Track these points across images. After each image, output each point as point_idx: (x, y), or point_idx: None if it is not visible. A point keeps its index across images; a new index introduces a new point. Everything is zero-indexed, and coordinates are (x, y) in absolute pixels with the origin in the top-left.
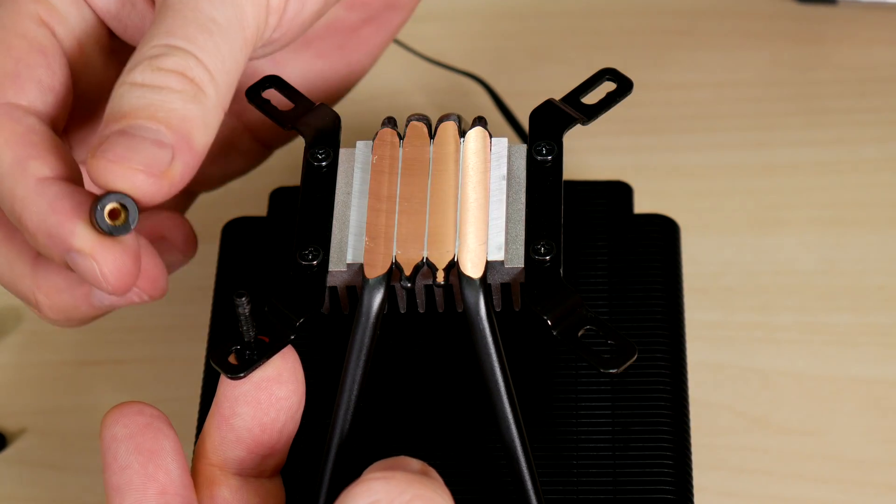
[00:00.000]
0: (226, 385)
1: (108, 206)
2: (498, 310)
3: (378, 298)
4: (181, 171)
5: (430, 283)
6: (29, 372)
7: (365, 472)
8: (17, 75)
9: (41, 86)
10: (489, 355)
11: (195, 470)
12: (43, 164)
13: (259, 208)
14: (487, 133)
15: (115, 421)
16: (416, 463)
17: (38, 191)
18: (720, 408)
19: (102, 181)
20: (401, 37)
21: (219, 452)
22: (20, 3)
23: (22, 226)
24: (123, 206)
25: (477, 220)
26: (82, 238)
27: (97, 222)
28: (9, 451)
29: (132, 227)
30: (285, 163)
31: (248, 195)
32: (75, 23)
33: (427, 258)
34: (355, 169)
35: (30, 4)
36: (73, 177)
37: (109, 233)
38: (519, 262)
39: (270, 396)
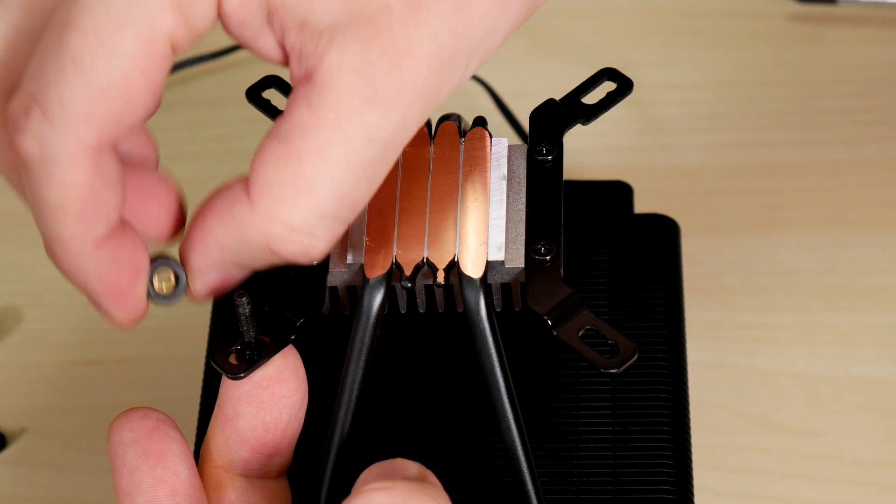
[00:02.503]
0: (228, 386)
1: (160, 276)
2: (498, 310)
3: (378, 298)
4: None
5: (431, 283)
6: (29, 372)
7: (361, 477)
8: (120, 116)
9: (139, 120)
10: (489, 355)
11: (201, 473)
12: (106, 221)
13: None
14: (487, 133)
15: (122, 426)
16: (413, 467)
17: (91, 255)
18: (720, 408)
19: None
20: None
21: (224, 454)
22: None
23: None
24: (174, 274)
25: (477, 220)
26: (119, 314)
27: (148, 291)
28: (9, 451)
29: (180, 298)
30: None
31: None
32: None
33: (427, 258)
34: None
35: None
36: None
37: (157, 303)
38: (519, 262)
39: (273, 395)
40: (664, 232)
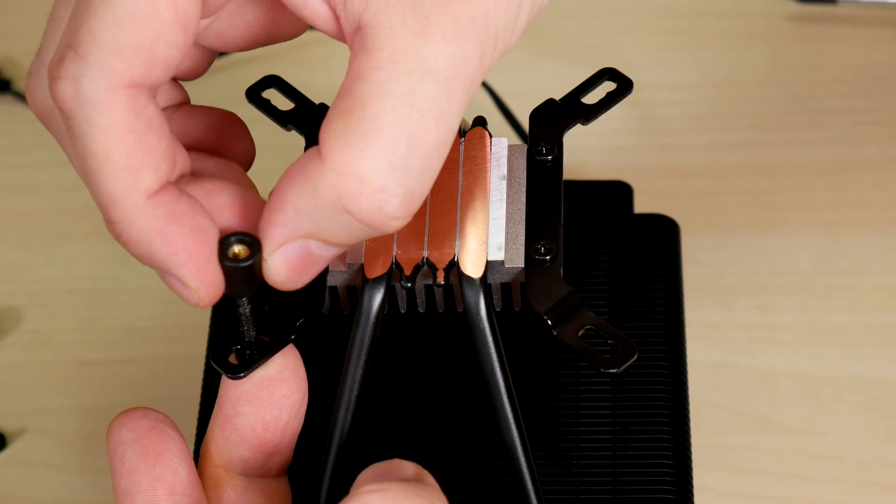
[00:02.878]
0: (228, 385)
1: (234, 248)
2: (498, 310)
3: (378, 298)
4: None
5: (431, 282)
6: (29, 372)
7: (358, 478)
8: (150, 47)
9: (170, 57)
10: (489, 355)
11: (200, 472)
12: (155, 171)
13: None
14: (487, 133)
15: (121, 426)
16: (410, 467)
17: (146, 211)
18: (720, 408)
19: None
20: None
21: (223, 453)
22: None
23: (113, 229)
24: (247, 244)
25: (477, 219)
26: (192, 279)
27: (219, 259)
28: (9, 451)
29: (255, 260)
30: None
31: None
32: None
33: (427, 258)
34: None
35: None
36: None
37: (230, 268)
38: (519, 262)
39: (273, 395)
40: (664, 232)
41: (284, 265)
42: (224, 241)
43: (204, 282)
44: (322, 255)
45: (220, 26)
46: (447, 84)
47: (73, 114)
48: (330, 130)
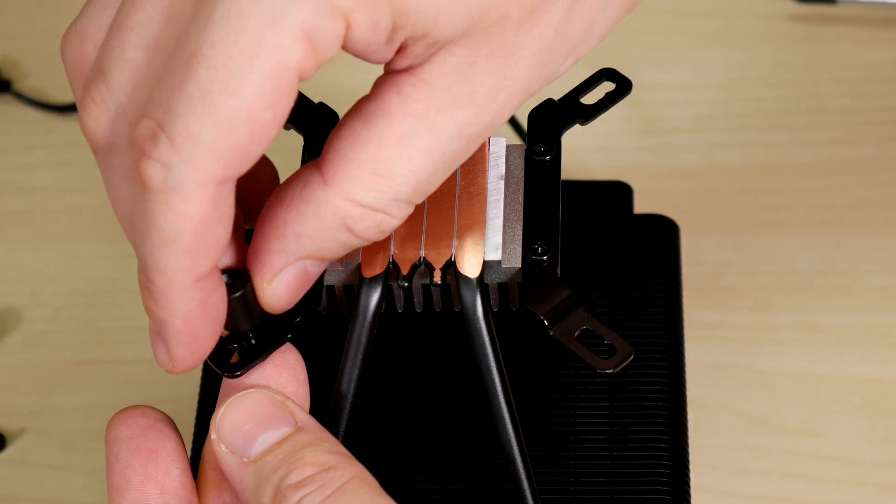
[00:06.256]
0: (227, 386)
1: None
2: (495, 309)
3: (375, 297)
4: None
5: (428, 282)
6: (29, 372)
7: None
8: (246, 148)
9: (262, 150)
10: (486, 355)
11: (200, 473)
12: (212, 258)
13: None
14: None
15: (119, 422)
16: None
17: (188, 292)
18: (720, 408)
19: None
20: None
21: None
22: None
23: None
24: (233, 276)
25: (474, 219)
26: (178, 353)
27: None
28: (9, 451)
29: (245, 291)
30: (284, 163)
31: None
32: None
33: (424, 257)
34: None
35: None
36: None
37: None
38: (516, 262)
39: None
40: (664, 232)
41: (284, 289)
42: None
43: (187, 361)
44: (316, 273)
45: None
46: (468, 144)
47: (154, 192)
48: (340, 154)
